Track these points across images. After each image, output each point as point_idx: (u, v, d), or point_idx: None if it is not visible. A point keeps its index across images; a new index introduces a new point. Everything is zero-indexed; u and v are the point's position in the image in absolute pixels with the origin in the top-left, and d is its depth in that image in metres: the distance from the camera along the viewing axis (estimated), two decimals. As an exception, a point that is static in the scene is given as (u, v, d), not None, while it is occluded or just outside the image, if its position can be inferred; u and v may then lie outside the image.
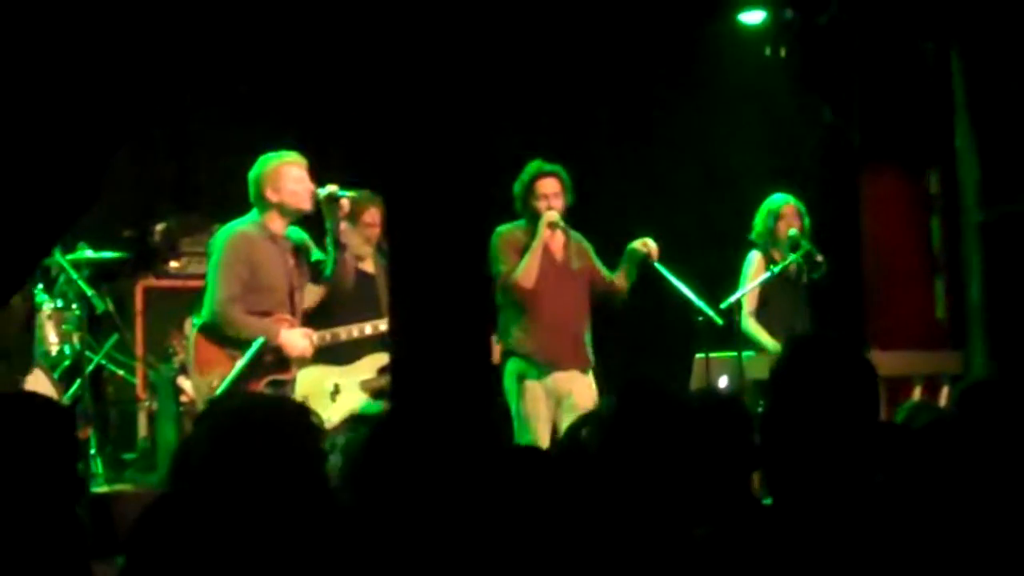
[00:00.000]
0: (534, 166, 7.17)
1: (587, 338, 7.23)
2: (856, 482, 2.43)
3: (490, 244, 7.07)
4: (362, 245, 7.17)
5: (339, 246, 6.58)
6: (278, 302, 6.47)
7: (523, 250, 7.10)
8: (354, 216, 6.99)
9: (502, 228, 7.15)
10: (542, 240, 7.09)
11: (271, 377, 6.40)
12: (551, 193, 7.12)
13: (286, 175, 6.46)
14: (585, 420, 3.47)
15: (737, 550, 2.41)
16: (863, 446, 2.46)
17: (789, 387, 2.52)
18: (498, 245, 7.12)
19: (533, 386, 6.99)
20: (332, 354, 6.82)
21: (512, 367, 7.09)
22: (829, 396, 2.48)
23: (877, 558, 2.38)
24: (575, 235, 7.29)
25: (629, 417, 3.14)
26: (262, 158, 6.50)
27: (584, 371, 7.16)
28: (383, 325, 6.71)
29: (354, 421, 6.86)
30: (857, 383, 2.51)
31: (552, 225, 7.10)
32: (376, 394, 6.95)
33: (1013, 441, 3.11)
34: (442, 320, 3.81)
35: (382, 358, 6.87)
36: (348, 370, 6.97)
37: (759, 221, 7.71)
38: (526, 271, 7.07)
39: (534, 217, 7.13)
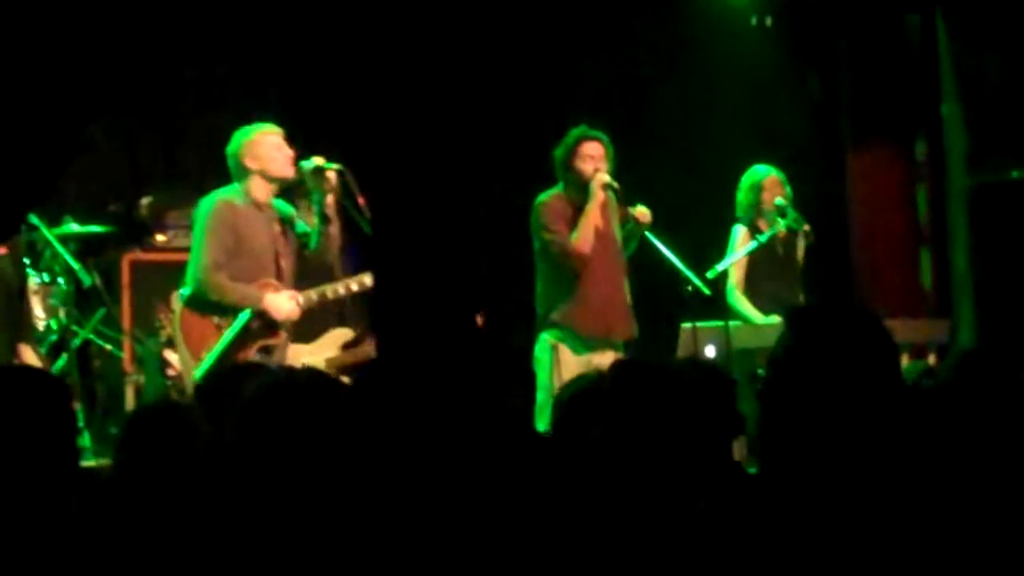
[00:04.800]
0: (579, 130, 6.95)
1: (630, 306, 7.05)
2: (868, 455, 2.35)
3: (532, 213, 6.92)
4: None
5: (325, 219, 6.54)
6: (263, 267, 6.44)
7: (568, 217, 6.85)
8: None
9: (543, 196, 6.91)
10: (597, 203, 6.83)
11: (260, 343, 6.38)
12: (597, 155, 6.89)
13: (263, 143, 6.45)
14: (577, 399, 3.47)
15: (741, 524, 2.34)
16: (880, 417, 2.38)
17: (802, 359, 2.41)
18: (543, 212, 6.86)
19: (571, 360, 6.73)
20: (295, 332, 6.65)
21: (549, 336, 6.85)
22: (848, 366, 2.38)
23: (882, 537, 2.33)
24: (616, 200, 6.98)
25: (624, 396, 3.15)
26: (238, 132, 6.50)
27: (628, 341, 6.99)
28: (368, 280, 6.52)
29: None
30: (876, 352, 2.42)
31: (606, 187, 6.84)
32: (342, 371, 6.84)
33: (1002, 410, 3.10)
34: (425, 292, 3.82)
35: (345, 334, 6.79)
36: (313, 348, 6.87)
37: (742, 194, 7.69)
38: (583, 236, 6.80)
39: (577, 181, 6.87)
